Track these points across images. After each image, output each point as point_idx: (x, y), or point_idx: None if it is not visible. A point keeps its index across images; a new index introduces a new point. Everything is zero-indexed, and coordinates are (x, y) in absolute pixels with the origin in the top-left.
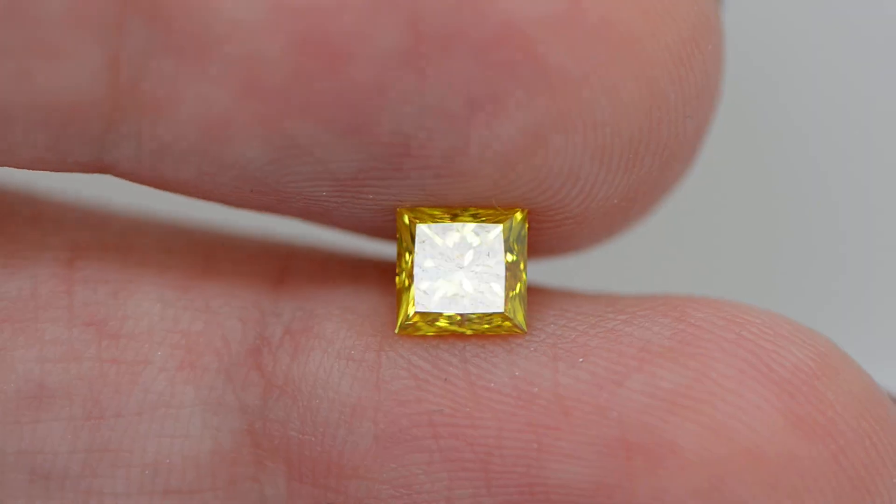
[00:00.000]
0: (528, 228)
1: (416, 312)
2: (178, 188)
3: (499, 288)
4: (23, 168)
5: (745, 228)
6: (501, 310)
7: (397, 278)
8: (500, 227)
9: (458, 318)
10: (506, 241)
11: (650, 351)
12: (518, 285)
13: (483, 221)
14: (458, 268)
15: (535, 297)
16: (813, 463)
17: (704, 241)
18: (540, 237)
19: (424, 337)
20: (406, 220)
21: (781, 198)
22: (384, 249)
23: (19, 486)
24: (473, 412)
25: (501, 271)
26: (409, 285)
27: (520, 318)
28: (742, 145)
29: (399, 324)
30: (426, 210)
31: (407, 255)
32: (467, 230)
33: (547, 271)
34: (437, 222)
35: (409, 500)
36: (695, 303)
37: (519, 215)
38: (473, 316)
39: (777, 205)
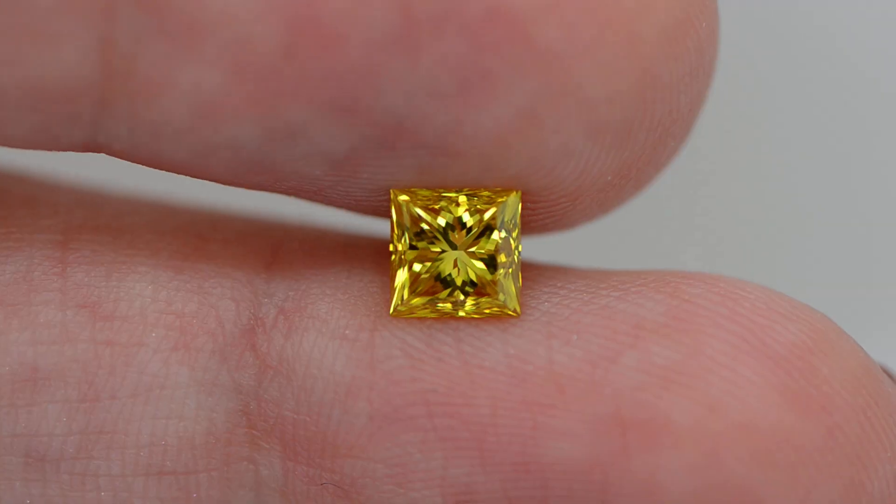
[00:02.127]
0: (522, 207)
1: (410, 294)
2: (173, 167)
3: (493, 270)
4: (14, 147)
5: (741, 204)
6: (495, 293)
7: (391, 260)
8: (494, 208)
9: (452, 300)
10: (500, 222)
11: (644, 327)
12: (512, 267)
13: (477, 202)
14: (452, 249)
15: (529, 273)
16: (808, 438)
17: (699, 216)
18: (534, 215)
19: (418, 318)
20: (400, 200)
21: (776, 174)
22: (377, 228)
23: (15, 469)
24: (468, 391)
25: (495, 253)
26: (403, 267)
27: (513, 300)
28: (736, 121)
29: (393, 306)
30: (420, 191)
31: (401, 236)
32: (461, 211)
33: (540, 247)
34: (432, 203)
35: (405, 478)
36: (688, 278)
37: (513, 196)
38: (467, 299)
39: (772, 181)
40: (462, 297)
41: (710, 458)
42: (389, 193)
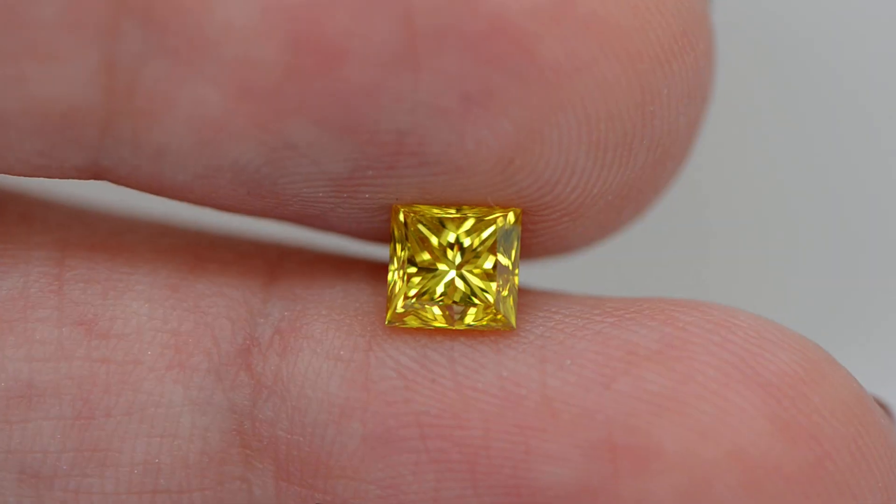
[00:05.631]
0: (524, 228)
1: (406, 306)
2: (175, 193)
3: (490, 286)
4: (19, 175)
5: (735, 232)
6: (492, 311)
7: (390, 273)
8: (493, 227)
9: (448, 313)
10: (499, 240)
11: (637, 354)
12: (509, 285)
13: (477, 220)
14: (451, 265)
15: (524, 298)
16: (798, 467)
17: (693, 244)
18: (535, 236)
19: (413, 334)
20: (401, 216)
21: (773, 200)
22: (373, 250)
23: (9, 486)
24: (461, 413)
25: (493, 270)
26: (402, 280)
27: (510, 315)
28: (733, 148)
29: (389, 316)
30: (421, 208)
31: (400, 250)
32: (461, 229)
33: (536, 274)
34: (432, 219)
35: (397, 500)
36: (682, 306)
37: (512, 216)
38: (464, 311)
39: (768, 208)
40: (458, 310)
41: (699, 485)
42: (390, 214)
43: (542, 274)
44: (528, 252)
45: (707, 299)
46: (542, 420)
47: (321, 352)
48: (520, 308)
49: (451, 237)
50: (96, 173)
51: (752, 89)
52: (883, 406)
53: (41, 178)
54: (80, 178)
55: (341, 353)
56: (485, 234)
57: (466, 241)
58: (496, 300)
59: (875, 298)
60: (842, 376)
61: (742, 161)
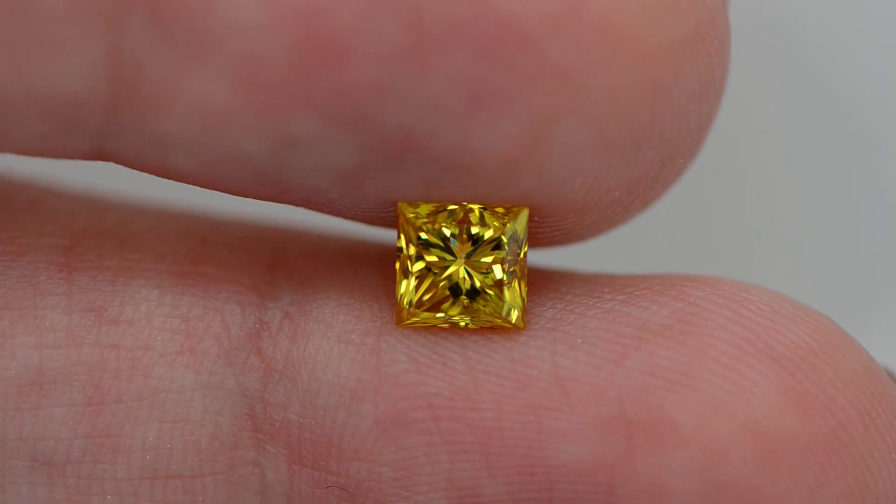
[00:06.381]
0: (530, 222)
1: (415, 307)
2: (180, 177)
3: (498, 285)
4: (22, 155)
5: (746, 210)
6: (500, 308)
7: (398, 272)
8: (500, 226)
9: (457, 312)
10: (507, 238)
11: (648, 330)
12: (517, 283)
13: (484, 218)
14: (459, 264)
15: (533, 278)
16: (812, 439)
17: (704, 222)
18: (542, 230)
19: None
20: (407, 214)
21: (783, 183)
22: (383, 233)
23: (21, 473)
24: (473, 395)
25: (501, 269)
26: (410, 278)
27: (518, 316)
28: (740, 129)
29: (399, 317)
30: (428, 205)
31: (407, 249)
32: (468, 227)
33: (545, 252)
34: (439, 216)
35: (410, 481)
36: (693, 281)
37: (520, 213)
38: (472, 312)
39: (778, 189)
40: (467, 308)
41: (714, 458)
42: (396, 206)
43: (549, 254)
44: (535, 243)
45: (717, 274)
46: (555, 399)
47: (332, 335)
48: (529, 289)
49: (458, 233)
50: (101, 156)
51: (766, 74)
52: (894, 377)
53: (50, 166)
54: (84, 159)
55: (352, 336)
56: (493, 230)
57: (475, 240)
58: (505, 300)
59: (886, 271)
60: (854, 349)
61: (754, 141)
